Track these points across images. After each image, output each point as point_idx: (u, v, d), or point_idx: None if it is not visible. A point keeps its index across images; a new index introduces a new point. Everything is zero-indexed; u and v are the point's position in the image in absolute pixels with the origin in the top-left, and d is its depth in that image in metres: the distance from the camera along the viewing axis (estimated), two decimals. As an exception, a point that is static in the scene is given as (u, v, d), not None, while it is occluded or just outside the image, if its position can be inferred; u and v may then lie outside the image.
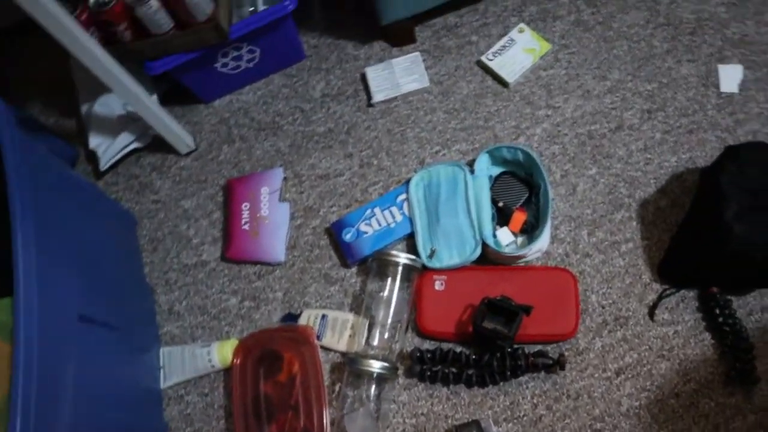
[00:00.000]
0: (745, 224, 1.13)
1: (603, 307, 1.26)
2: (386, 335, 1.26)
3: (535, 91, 1.45)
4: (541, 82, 1.46)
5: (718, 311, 1.21)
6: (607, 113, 1.41)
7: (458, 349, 1.24)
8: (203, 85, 1.52)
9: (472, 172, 1.34)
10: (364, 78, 1.52)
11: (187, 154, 1.53)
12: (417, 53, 1.51)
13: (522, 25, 1.50)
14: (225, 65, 1.47)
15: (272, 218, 1.40)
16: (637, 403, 1.19)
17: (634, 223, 1.31)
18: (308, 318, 1.32)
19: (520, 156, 1.33)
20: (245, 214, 1.41)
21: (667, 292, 1.25)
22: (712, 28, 1.47)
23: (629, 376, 1.21)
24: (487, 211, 1.30)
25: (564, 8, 1.53)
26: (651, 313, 1.25)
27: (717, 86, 1.41)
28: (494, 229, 1.30)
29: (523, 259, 1.29)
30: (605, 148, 1.38)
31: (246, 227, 1.40)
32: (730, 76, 1.41)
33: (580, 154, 1.38)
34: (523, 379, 1.22)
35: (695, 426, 1.16)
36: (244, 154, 1.51)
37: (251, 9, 1.40)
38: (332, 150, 1.47)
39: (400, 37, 1.52)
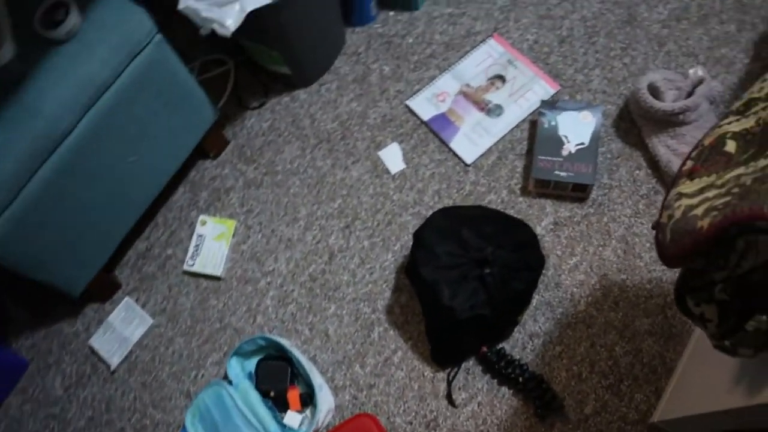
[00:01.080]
0: (461, 296, 1.20)
1: (410, 423, 1.28)
2: None
3: (246, 268, 1.47)
4: (246, 256, 1.48)
5: (497, 366, 1.27)
6: (315, 249, 1.45)
7: None
8: (-59, 459, 1.40)
9: (230, 382, 1.32)
10: (93, 350, 1.46)
11: None
12: (126, 297, 1.48)
13: (202, 217, 1.51)
14: (-50, 427, 1.36)
15: None
16: (486, 490, 1.21)
17: (392, 332, 1.35)
18: None
19: (261, 342, 1.33)
20: None
21: (451, 374, 1.29)
22: (355, 123, 1.56)
23: (466, 469, 1.23)
24: (263, 411, 1.28)
25: (229, 178, 1.56)
26: (450, 401, 1.28)
27: (388, 170, 1.49)
28: (280, 420, 1.29)
29: (320, 428, 1.28)
30: (331, 282, 1.42)
31: None
32: (393, 157, 1.50)
33: (314, 300, 1.41)
34: None
35: (541, 475, 1.20)
36: (23, 491, 1.40)
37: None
38: (102, 435, 1.40)
39: (103, 292, 1.49)
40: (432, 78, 1.58)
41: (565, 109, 1.42)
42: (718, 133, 0.88)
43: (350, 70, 1.63)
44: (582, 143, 1.38)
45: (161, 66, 1.32)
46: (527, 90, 1.50)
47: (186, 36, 1.57)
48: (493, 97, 1.51)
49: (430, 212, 1.38)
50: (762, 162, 0.74)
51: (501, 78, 1.53)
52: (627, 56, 1.52)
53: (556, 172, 1.36)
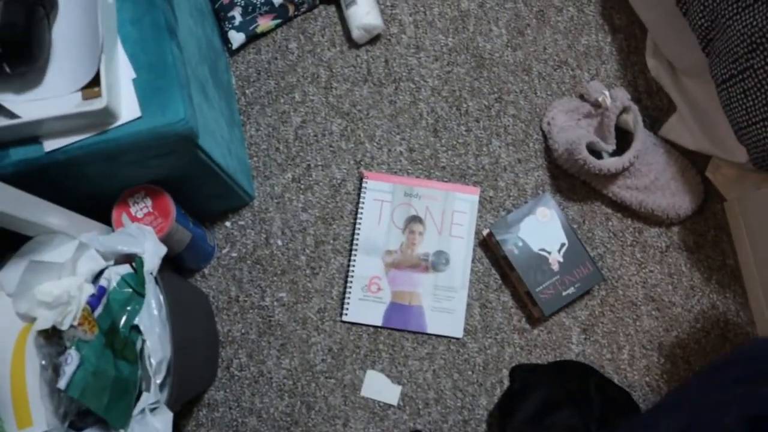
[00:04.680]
0: None
1: None
2: None
3: None
4: None
5: None
6: None
7: None
8: None
9: None
10: None
11: None
12: None
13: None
14: None
15: None
16: None
17: None
18: None
19: None
20: None
21: None
22: (307, 381, 1.20)
23: None
24: None
25: None
26: None
27: (388, 404, 1.20)
28: None
29: None
30: None
31: None
32: (380, 386, 1.20)
33: None
34: None
35: None
36: None
37: None
38: None
39: None
40: (342, 269, 1.23)
41: (520, 221, 1.19)
42: None
43: (245, 327, 1.22)
44: (563, 244, 1.19)
45: None
46: (451, 213, 1.23)
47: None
48: (426, 246, 1.23)
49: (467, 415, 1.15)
50: None
51: (415, 219, 1.23)
52: (508, 105, 1.29)
53: (564, 294, 1.18)
